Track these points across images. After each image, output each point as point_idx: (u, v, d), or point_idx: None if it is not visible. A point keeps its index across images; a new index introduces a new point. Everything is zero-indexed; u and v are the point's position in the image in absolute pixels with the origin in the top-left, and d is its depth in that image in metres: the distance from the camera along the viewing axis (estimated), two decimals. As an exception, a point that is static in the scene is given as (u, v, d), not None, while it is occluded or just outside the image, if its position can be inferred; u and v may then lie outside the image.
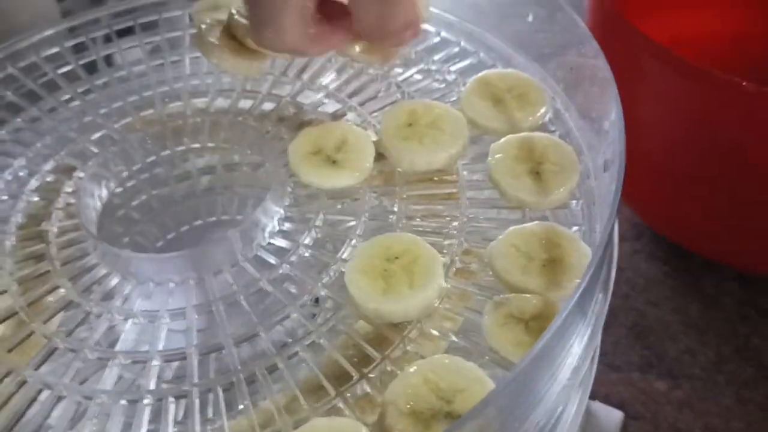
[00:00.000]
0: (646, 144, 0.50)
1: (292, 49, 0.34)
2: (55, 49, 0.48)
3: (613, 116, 0.31)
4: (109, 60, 0.48)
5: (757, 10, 0.66)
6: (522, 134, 0.37)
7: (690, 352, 0.55)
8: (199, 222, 0.45)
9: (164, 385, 0.31)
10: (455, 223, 0.35)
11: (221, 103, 0.43)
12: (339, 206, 0.37)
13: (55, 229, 0.37)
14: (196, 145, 0.41)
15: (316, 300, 0.36)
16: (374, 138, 0.39)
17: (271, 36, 0.33)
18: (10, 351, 0.33)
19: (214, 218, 0.45)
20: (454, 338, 0.31)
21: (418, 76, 0.43)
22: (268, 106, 0.43)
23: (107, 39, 0.49)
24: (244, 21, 0.38)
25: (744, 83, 0.42)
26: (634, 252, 0.60)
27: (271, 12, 0.32)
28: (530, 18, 0.41)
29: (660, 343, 0.56)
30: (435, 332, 0.32)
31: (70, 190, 0.39)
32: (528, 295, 0.31)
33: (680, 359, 0.55)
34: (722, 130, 0.47)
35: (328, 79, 0.44)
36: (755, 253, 0.53)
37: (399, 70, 0.44)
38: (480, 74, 0.41)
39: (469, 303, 0.33)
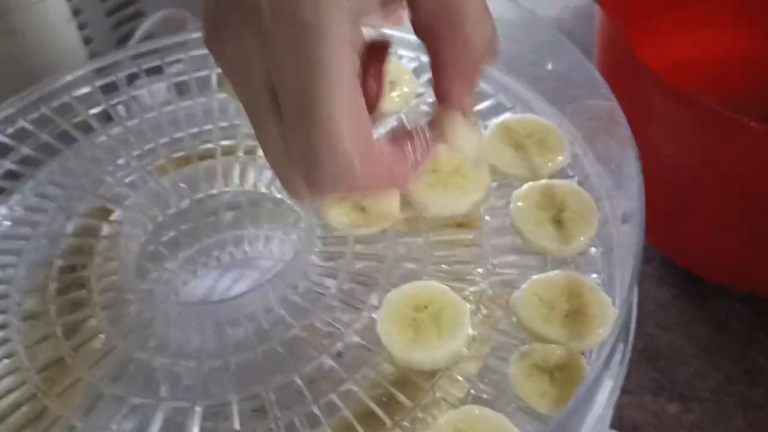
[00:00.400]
0: (656, 174, 0.52)
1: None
2: (86, 89, 0.50)
3: (633, 173, 0.33)
4: (137, 100, 0.50)
5: (759, 29, 0.67)
6: (543, 182, 0.39)
7: (700, 375, 0.56)
8: (227, 259, 0.47)
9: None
10: (479, 270, 0.37)
11: (250, 143, 0.45)
12: (367, 251, 0.39)
13: (96, 274, 0.39)
14: (227, 189, 0.43)
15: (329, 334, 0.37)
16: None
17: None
18: (58, 397, 0.34)
19: (241, 255, 0.47)
20: (481, 386, 0.33)
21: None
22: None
23: (133, 77, 0.51)
24: None
25: (752, 123, 0.44)
26: (645, 277, 0.62)
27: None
28: (549, 66, 0.42)
29: (671, 367, 0.57)
30: (460, 377, 0.34)
31: (106, 233, 0.41)
32: (552, 346, 0.32)
33: (691, 382, 0.56)
34: (730, 164, 0.48)
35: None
36: (764, 277, 0.55)
37: (421, 110, 0.45)
38: (500, 119, 0.42)
39: (489, 345, 0.35)
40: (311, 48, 0.24)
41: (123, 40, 0.52)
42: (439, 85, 0.31)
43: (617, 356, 0.31)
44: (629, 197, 0.34)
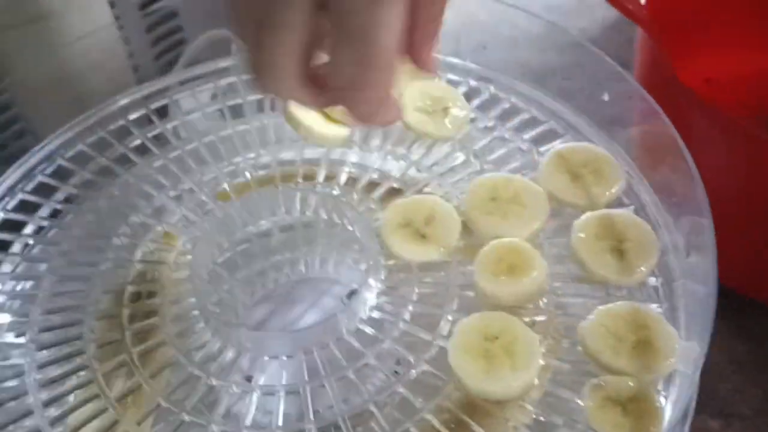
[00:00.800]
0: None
1: (292, 96, 0.33)
2: (141, 112, 0.51)
3: (700, 209, 0.34)
4: (191, 124, 0.50)
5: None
6: (601, 212, 0.40)
7: (739, 391, 0.57)
8: (284, 280, 0.48)
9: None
10: (543, 298, 0.38)
11: (308, 170, 0.46)
12: (430, 279, 0.40)
13: (167, 302, 0.40)
14: (285, 216, 0.44)
15: (398, 361, 0.39)
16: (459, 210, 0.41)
17: (270, 81, 0.32)
18: (138, 424, 0.35)
19: (298, 277, 0.48)
20: (547, 414, 0.34)
21: (493, 145, 0.46)
22: (354, 173, 0.45)
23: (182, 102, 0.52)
24: None
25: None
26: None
27: (270, 56, 0.31)
28: (605, 97, 0.43)
29: (710, 383, 0.58)
30: (527, 405, 0.35)
31: (172, 260, 0.42)
32: (623, 378, 0.33)
33: (730, 399, 0.57)
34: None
35: (408, 148, 0.46)
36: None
37: (474, 136, 0.46)
38: (556, 149, 0.43)
39: (550, 372, 0.36)
40: None
41: (168, 68, 0.53)
42: None
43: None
44: (694, 231, 0.35)
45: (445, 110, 0.46)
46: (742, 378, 0.58)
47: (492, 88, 0.49)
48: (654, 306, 0.37)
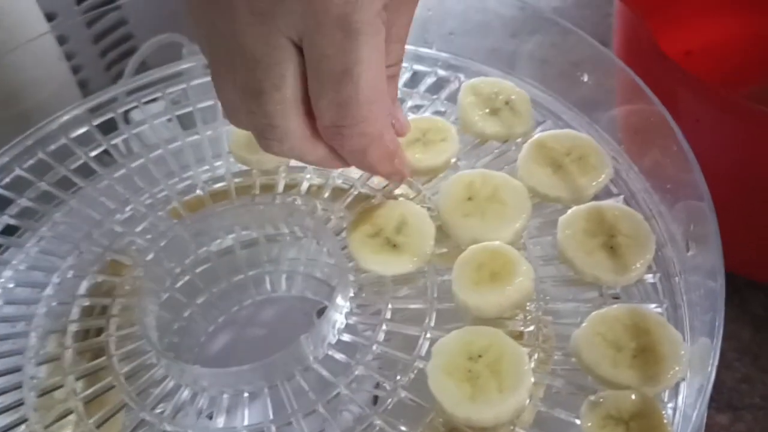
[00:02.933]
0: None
1: (298, 152, 0.32)
2: (83, 129, 0.47)
3: (698, 192, 0.30)
4: (139, 137, 0.46)
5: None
6: (589, 205, 0.36)
7: (747, 380, 0.54)
8: (249, 301, 0.44)
9: None
10: (530, 305, 0.34)
11: (266, 180, 0.42)
12: (404, 292, 0.36)
13: (115, 339, 0.36)
14: (246, 232, 0.40)
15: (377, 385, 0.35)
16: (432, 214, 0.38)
17: (278, 142, 0.31)
18: (87, 481, 0.32)
19: (263, 296, 0.44)
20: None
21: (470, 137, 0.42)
22: (315, 181, 0.41)
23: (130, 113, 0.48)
24: None
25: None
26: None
27: (273, 116, 0.30)
28: (585, 78, 0.39)
29: (716, 374, 0.55)
30: (519, 430, 0.31)
31: (122, 291, 0.38)
32: (624, 392, 0.30)
33: (739, 389, 0.54)
34: (763, 160, 0.46)
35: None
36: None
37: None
38: (534, 137, 0.39)
39: (542, 390, 0.32)
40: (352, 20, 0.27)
41: (118, 79, 0.49)
42: None
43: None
44: (692, 217, 0.31)
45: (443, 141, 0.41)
46: (749, 366, 0.55)
47: (462, 77, 0.45)
48: (653, 306, 0.33)
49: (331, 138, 0.31)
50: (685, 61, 0.64)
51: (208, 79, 0.47)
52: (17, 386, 0.35)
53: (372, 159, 0.32)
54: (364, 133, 0.31)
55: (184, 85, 0.48)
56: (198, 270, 0.43)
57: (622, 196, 0.38)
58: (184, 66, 0.49)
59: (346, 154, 0.32)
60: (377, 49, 0.29)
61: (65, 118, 0.47)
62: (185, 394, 0.34)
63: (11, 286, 0.40)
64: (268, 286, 0.44)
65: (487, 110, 0.41)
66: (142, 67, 0.54)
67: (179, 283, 0.42)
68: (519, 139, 0.41)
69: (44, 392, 0.35)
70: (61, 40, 0.57)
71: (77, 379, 0.35)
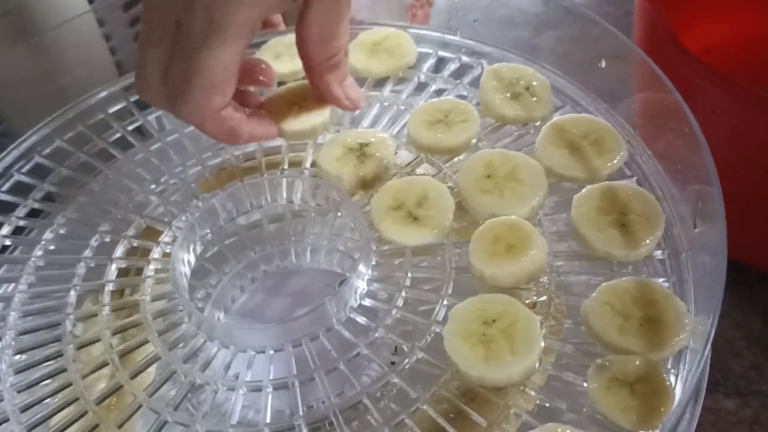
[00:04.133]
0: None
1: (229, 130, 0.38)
2: (121, 104, 0.49)
3: (706, 175, 0.31)
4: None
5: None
6: (603, 184, 0.38)
7: (756, 368, 0.55)
8: (274, 272, 0.46)
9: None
10: (543, 278, 0.36)
11: (294, 157, 0.44)
12: (424, 263, 0.38)
13: (149, 298, 0.38)
14: (273, 206, 0.42)
15: (395, 349, 0.37)
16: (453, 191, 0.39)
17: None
18: (120, 427, 0.34)
19: (289, 268, 0.46)
20: (551, 399, 0.32)
21: (490, 120, 0.43)
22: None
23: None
24: None
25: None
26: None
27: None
28: (603, 65, 0.41)
29: (724, 361, 0.56)
30: (529, 390, 0.33)
31: (157, 255, 0.40)
32: (629, 357, 0.31)
33: (746, 376, 0.55)
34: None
35: (398, 127, 0.44)
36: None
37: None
38: (553, 120, 0.41)
39: (554, 355, 0.34)
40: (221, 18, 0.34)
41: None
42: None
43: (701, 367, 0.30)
44: (701, 198, 0.33)
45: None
46: (758, 354, 0.56)
47: (485, 63, 0.47)
48: (661, 280, 0.35)
49: (173, 102, 0.36)
50: (705, 58, 0.65)
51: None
52: (57, 339, 0.37)
53: (209, 133, 0.38)
54: (197, 110, 0.36)
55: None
56: (227, 242, 0.45)
57: (635, 178, 0.39)
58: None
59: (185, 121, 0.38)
60: (231, 49, 0.35)
61: (103, 94, 0.49)
62: (214, 349, 0.36)
63: (52, 248, 0.42)
64: (293, 259, 0.46)
65: (508, 94, 0.43)
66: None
67: (209, 253, 0.45)
68: (538, 123, 0.42)
69: (82, 346, 0.37)
70: (100, 23, 0.59)
71: (113, 334, 0.37)
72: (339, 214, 0.41)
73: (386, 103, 0.46)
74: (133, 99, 0.49)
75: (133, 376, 0.35)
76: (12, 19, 0.51)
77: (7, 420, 0.34)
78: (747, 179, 0.50)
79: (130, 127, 0.47)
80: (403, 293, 0.36)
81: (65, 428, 0.34)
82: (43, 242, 0.42)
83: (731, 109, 0.48)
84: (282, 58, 0.48)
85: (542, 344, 0.32)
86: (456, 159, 0.42)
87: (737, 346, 0.56)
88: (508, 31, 0.68)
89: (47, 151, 0.46)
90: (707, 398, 0.53)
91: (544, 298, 0.35)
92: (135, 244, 0.41)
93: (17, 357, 0.37)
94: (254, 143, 0.44)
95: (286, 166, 0.43)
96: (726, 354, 0.56)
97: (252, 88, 0.43)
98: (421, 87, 0.46)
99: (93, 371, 0.36)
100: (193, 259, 0.40)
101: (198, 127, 0.38)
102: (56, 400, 0.35)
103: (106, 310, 0.38)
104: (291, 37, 0.48)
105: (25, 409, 0.35)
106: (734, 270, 0.60)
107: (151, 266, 0.39)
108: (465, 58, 0.48)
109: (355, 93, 0.42)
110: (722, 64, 0.63)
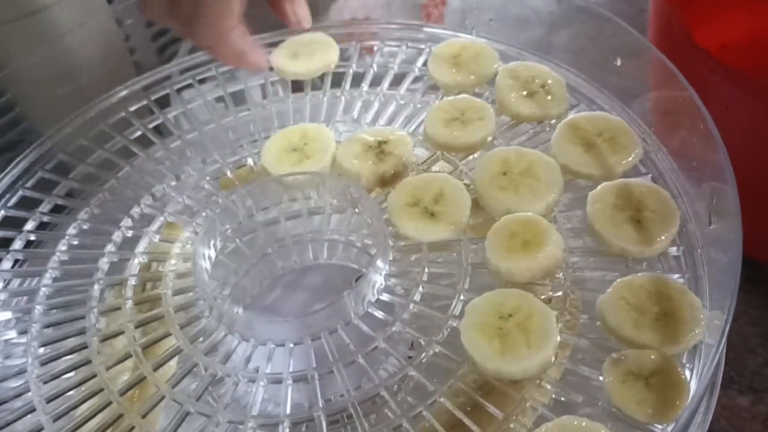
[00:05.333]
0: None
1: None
2: (141, 103, 0.50)
3: (722, 172, 0.32)
4: (193, 112, 0.49)
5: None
6: (618, 181, 0.38)
7: (770, 365, 0.55)
8: (292, 268, 0.46)
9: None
10: (559, 274, 0.36)
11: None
12: (440, 259, 0.38)
13: (170, 292, 0.39)
14: (295, 201, 0.43)
15: (412, 343, 0.37)
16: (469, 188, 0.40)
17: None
18: (144, 417, 0.34)
19: (306, 264, 0.46)
20: (567, 392, 0.32)
21: (506, 118, 0.44)
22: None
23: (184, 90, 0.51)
24: None
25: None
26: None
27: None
28: (618, 62, 0.41)
29: (739, 357, 0.56)
30: (545, 384, 0.33)
31: (176, 250, 0.41)
32: (645, 351, 0.32)
33: (761, 372, 0.55)
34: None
35: (415, 125, 0.45)
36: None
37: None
38: (568, 118, 0.41)
39: (569, 349, 0.34)
40: None
41: (169, 62, 0.52)
42: None
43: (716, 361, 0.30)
44: (716, 195, 0.33)
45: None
46: (773, 352, 0.56)
47: (501, 62, 0.47)
48: (676, 276, 0.35)
49: (188, 23, 0.42)
50: (720, 55, 0.65)
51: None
52: (81, 332, 0.38)
53: (220, 55, 0.45)
54: (212, 28, 0.42)
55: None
56: (245, 238, 0.46)
57: (650, 176, 0.39)
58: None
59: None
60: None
61: (123, 93, 0.50)
62: (234, 342, 0.36)
63: (75, 243, 0.43)
64: (311, 254, 0.46)
65: (524, 93, 0.44)
66: (192, 49, 0.57)
67: (228, 249, 0.45)
68: (553, 121, 0.43)
69: (106, 338, 0.38)
70: (118, 23, 0.60)
71: (136, 327, 0.38)
72: (356, 210, 0.42)
73: (402, 101, 0.46)
74: (153, 98, 0.50)
75: (156, 368, 0.36)
76: (33, 21, 0.52)
77: (33, 410, 0.35)
78: (761, 175, 0.50)
79: (151, 125, 0.48)
80: (420, 288, 0.37)
81: (90, 418, 0.35)
82: (67, 237, 0.43)
83: (745, 105, 0.48)
84: (298, 57, 0.49)
85: (558, 338, 0.33)
86: (472, 156, 0.42)
87: (752, 343, 0.56)
88: (522, 29, 0.68)
89: (70, 148, 0.47)
90: (722, 395, 0.54)
91: (559, 293, 0.35)
92: (156, 239, 0.42)
93: (42, 350, 0.37)
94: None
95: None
96: (741, 351, 0.56)
97: None
98: (437, 85, 0.47)
99: (116, 363, 0.36)
100: (213, 254, 0.41)
101: (210, 50, 0.44)
102: (81, 391, 0.35)
103: (129, 303, 0.39)
104: (307, 37, 0.49)
105: (50, 400, 0.35)
106: (749, 267, 0.60)
107: (173, 261, 0.40)
108: (481, 57, 0.48)
109: (302, 12, 0.49)
110: (736, 60, 0.63)
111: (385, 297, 0.37)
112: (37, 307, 0.39)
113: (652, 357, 0.31)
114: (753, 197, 0.52)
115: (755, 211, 0.53)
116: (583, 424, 0.30)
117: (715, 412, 0.53)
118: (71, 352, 0.37)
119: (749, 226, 0.55)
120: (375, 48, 0.50)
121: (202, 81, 0.51)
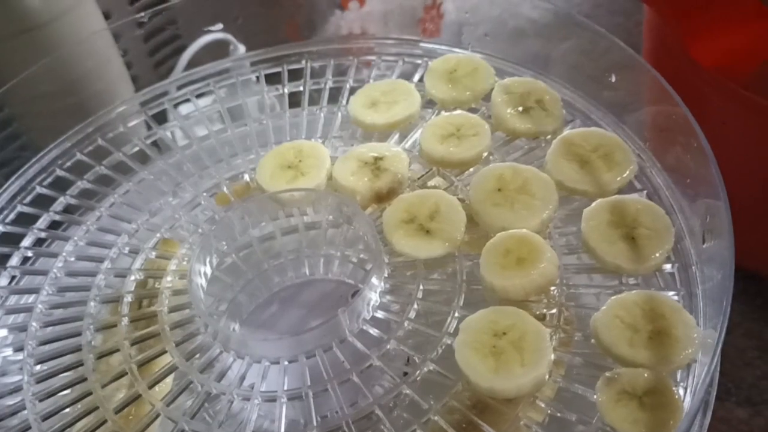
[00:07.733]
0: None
1: None
2: (139, 119, 0.50)
3: (714, 189, 0.32)
4: (190, 128, 0.50)
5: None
6: (613, 198, 0.38)
7: (767, 377, 0.55)
8: (288, 283, 0.46)
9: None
10: (553, 290, 0.36)
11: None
12: (435, 275, 0.39)
13: (166, 309, 0.39)
14: (291, 217, 0.43)
15: (407, 360, 0.37)
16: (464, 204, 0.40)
17: None
18: (139, 436, 0.34)
19: (302, 279, 0.46)
20: (561, 410, 0.32)
21: (501, 134, 0.44)
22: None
23: (181, 105, 0.51)
24: None
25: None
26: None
27: None
28: (613, 79, 0.41)
29: (736, 370, 0.56)
30: (539, 402, 0.33)
31: (172, 267, 0.41)
32: (638, 370, 0.32)
33: (758, 385, 0.55)
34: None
35: (410, 142, 0.45)
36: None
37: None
38: (563, 134, 0.42)
39: (564, 368, 0.34)
40: None
41: (168, 76, 0.53)
42: None
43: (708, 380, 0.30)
44: (710, 212, 0.33)
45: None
46: (768, 363, 0.56)
47: (496, 78, 0.47)
48: (671, 294, 0.35)
49: None
50: (716, 70, 0.65)
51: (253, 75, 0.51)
52: (77, 349, 0.38)
53: None
54: None
55: (233, 80, 0.51)
56: (241, 254, 0.46)
57: (645, 192, 0.40)
58: (231, 64, 0.53)
59: None
60: None
61: (121, 108, 0.50)
62: (229, 360, 0.36)
63: (72, 259, 0.43)
64: (307, 270, 0.46)
65: (519, 108, 0.44)
66: (189, 65, 0.58)
67: (223, 265, 0.45)
68: (548, 137, 0.43)
69: (101, 355, 0.38)
70: (116, 39, 0.60)
71: (131, 344, 0.38)
72: (352, 226, 0.42)
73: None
74: (151, 113, 0.50)
75: (151, 386, 0.36)
76: (32, 36, 0.52)
77: (29, 428, 0.35)
78: (759, 190, 0.51)
79: (149, 141, 0.48)
80: (415, 305, 0.37)
81: (85, 437, 0.35)
82: (64, 254, 0.43)
83: (742, 120, 0.48)
84: (378, 106, 0.46)
85: (552, 356, 0.33)
86: (467, 172, 0.42)
87: (749, 356, 0.57)
88: (518, 42, 0.69)
89: (68, 164, 0.48)
90: (719, 408, 0.54)
91: (554, 310, 0.36)
92: (152, 256, 0.42)
93: (38, 367, 0.38)
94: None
95: (300, 179, 0.44)
96: (738, 363, 0.56)
97: None
98: (433, 101, 0.47)
99: (112, 380, 0.36)
100: (209, 270, 0.41)
101: None
102: (77, 408, 0.36)
103: (125, 320, 0.39)
104: (388, 84, 0.48)
105: (46, 418, 0.35)
106: (746, 279, 0.60)
107: (169, 278, 0.40)
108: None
109: None
110: (732, 75, 0.64)
111: (380, 314, 0.37)
112: (33, 323, 0.40)
113: (646, 376, 0.31)
114: (751, 209, 0.52)
115: (752, 224, 0.53)
116: (576, 443, 0.30)
117: (713, 425, 0.53)
118: (67, 369, 0.37)
119: (746, 238, 0.56)
120: (372, 62, 0.51)
121: (199, 96, 0.52)
